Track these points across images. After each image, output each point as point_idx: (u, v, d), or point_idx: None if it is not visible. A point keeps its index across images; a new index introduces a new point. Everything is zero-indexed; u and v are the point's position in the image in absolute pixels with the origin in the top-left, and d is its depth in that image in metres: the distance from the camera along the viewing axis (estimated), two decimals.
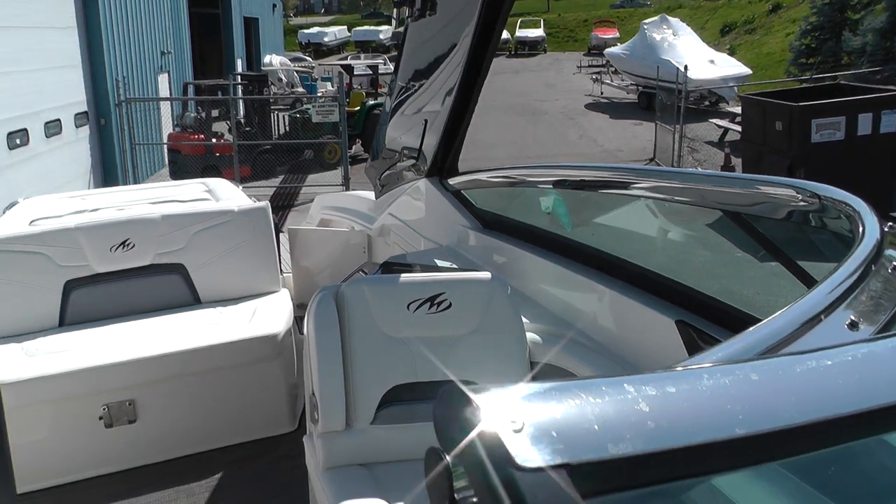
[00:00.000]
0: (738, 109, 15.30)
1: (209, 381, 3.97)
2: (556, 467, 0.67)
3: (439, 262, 3.35)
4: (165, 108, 17.69)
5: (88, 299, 4.30)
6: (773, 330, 1.18)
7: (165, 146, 16.69)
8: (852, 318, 1.23)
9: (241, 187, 5.40)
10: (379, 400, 2.65)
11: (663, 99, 15.44)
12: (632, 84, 24.20)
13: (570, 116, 22.60)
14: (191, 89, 17.78)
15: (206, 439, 4.02)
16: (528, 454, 0.68)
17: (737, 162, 12.96)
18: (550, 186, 3.65)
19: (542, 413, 0.71)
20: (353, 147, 17.25)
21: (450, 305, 2.68)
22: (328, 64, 28.05)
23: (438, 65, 3.66)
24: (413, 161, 4.04)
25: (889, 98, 10.58)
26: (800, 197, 2.13)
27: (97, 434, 3.77)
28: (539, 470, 0.67)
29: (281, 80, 25.31)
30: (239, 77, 20.48)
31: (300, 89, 24.19)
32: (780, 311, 1.24)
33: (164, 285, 4.43)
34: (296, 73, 26.42)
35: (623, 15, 49.51)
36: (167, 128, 17.24)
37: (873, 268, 1.45)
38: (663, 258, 3.14)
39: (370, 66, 23.46)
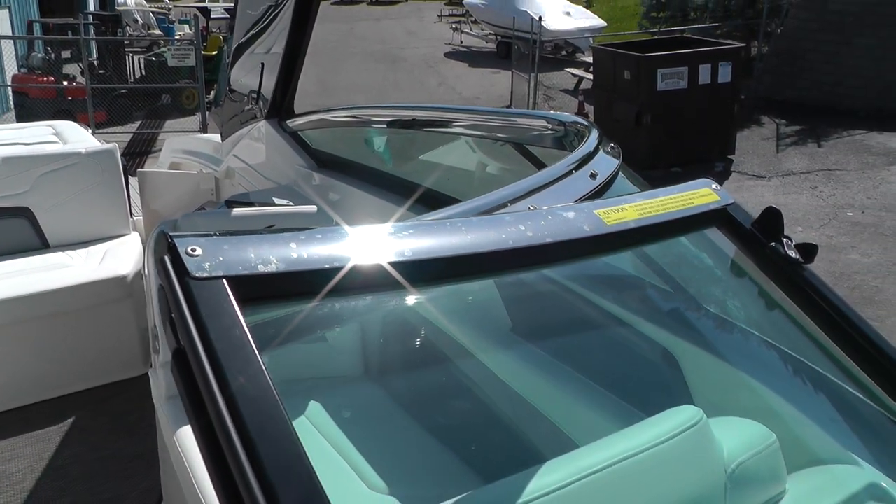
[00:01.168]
0: (591, 59, 15.85)
1: (58, 326, 4.01)
2: (216, 278, 1.09)
3: (277, 201, 3.52)
4: (7, 47, 16.80)
5: None
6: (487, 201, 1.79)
7: (10, 88, 15.92)
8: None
9: (90, 131, 5.36)
10: None
11: (520, 48, 15.80)
12: (490, 34, 24.49)
13: (429, 64, 22.75)
14: (37, 28, 16.97)
15: (58, 385, 4.06)
16: (198, 270, 1.09)
17: (589, 109, 13.48)
18: (383, 126, 3.86)
19: (215, 246, 1.16)
20: (212, 92, 16.92)
21: None
22: (185, 6, 27.08)
23: (272, 6, 3.78)
24: (253, 103, 4.17)
25: (725, 51, 11.29)
26: (549, 125, 2.79)
27: None
28: (205, 279, 1.08)
29: (137, 21, 24.34)
30: (91, 17, 19.64)
31: (157, 32, 23.38)
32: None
33: (8, 229, 4.41)
34: (152, 15, 25.45)
35: None
36: (11, 69, 16.40)
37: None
38: (472, 187, 3.41)
39: (227, 10, 22.84)
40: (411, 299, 1.52)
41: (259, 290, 1.12)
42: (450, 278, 1.37)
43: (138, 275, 4.27)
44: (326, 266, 1.19)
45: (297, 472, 0.97)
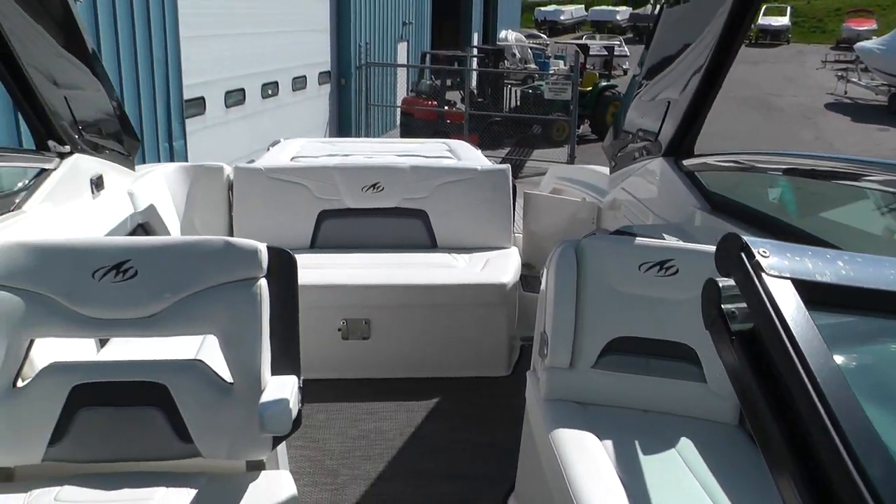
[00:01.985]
0: None
1: (437, 316, 4.37)
2: (785, 278, 1.26)
3: (666, 237, 3.46)
4: (402, 74, 18.54)
5: (338, 229, 4.91)
6: None
7: (399, 109, 17.50)
8: None
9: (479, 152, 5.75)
10: (602, 347, 2.89)
11: None
12: (883, 84, 22.53)
13: (806, 115, 21.42)
14: (428, 58, 18.50)
15: (427, 367, 4.45)
16: (771, 269, 1.27)
17: None
18: (780, 174, 3.65)
19: (779, 252, 1.30)
20: (582, 126, 17.29)
21: (676, 271, 2.85)
22: (562, 42, 28.03)
23: (687, 49, 3.76)
24: (650, 141, 4.15)
25: None
26: None
27: (335, 343, 4.34)
28: (777, 277, 1.26)
29: (514, 55, 25.62)
30: (475, 49, 21.04)
31: (533, 66, 24.40)
32: None
33: (406, 227, 4.91)
34: (529, 50, 26.64)
35: (885, 3, 45.11)
36: (402, 92, 18.05)
37: None
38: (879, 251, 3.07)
39: (605, 48, 23.23)
40: None
41: (817, 295, 1.27)
42: None
43: (514, 286, 4.51)
44: (871, 287, 1.32)
45: (878, 450, 1.09)
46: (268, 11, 12.44)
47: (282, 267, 2.58)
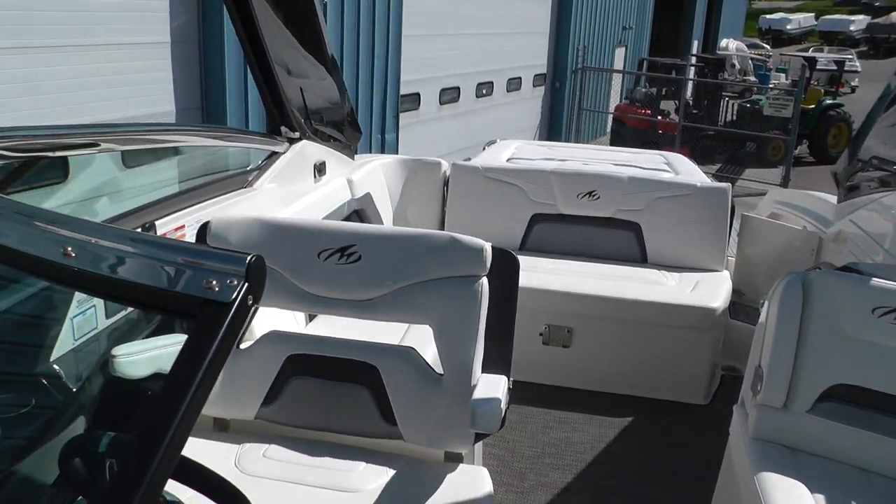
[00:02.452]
0: None
1: (640, 333, 4.30)
2: None
3: None
4: (616, 80, 18.30)
5: (549, 234, 4.93)
6: None
7: (611, 115, 17.28)
8: None
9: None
10: (821, 391, 2.71)
11: None
12: None
13: None
14: (645, 65, 18.13)
15: (623, 383, 4.41)
16: None
17: None
18: None
19: None
20: (799, 147, 16.35)
21: None
22: (787, 54, 26.63)
23: None
24: (889, 172, 3.87)
25: None
26: None
27: (535, 347, 4.38)
28: None
29: (734, 65, 24.67)
30: (694, 58, 20.41)
31: (752, 78, 23.42)
32: None
33: (617, 238, 4.85)
34: (750, 61, 25.57)
35: None
36: (615, 99, 17.80)
37: None
38: None
39: (835, 61, 21.80)
40: None
41: None
42: None
43: (724, 312, 4.35)
44: None
45: None
46: (491, 13, 12.63)
47: (504, 267, 2.63)
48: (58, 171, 3.40)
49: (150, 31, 6.33)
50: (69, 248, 1.26)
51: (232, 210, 3.26)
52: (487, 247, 2.53)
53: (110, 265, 1.25)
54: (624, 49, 19.35)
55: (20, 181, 2.63)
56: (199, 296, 1.13)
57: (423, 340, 2.79)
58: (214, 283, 1.14)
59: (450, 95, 11.75)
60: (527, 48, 14.42)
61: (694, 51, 25.54)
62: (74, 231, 1.30)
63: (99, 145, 2.86)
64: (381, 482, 2.39)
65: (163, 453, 1.02)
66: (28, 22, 5.30)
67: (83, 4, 5.74)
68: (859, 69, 27.32)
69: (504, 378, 2.59)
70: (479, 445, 2.82)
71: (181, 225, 3.01)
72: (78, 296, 2.59)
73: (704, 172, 5.45)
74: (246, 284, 1.14)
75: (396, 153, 9.76)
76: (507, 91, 13.84)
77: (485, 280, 2.53)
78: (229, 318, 1.12)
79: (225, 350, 1.11)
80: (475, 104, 12.62)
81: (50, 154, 2.64)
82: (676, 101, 16.36)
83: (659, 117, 16.38)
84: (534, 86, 15.02)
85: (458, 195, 4.98)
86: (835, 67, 20.48)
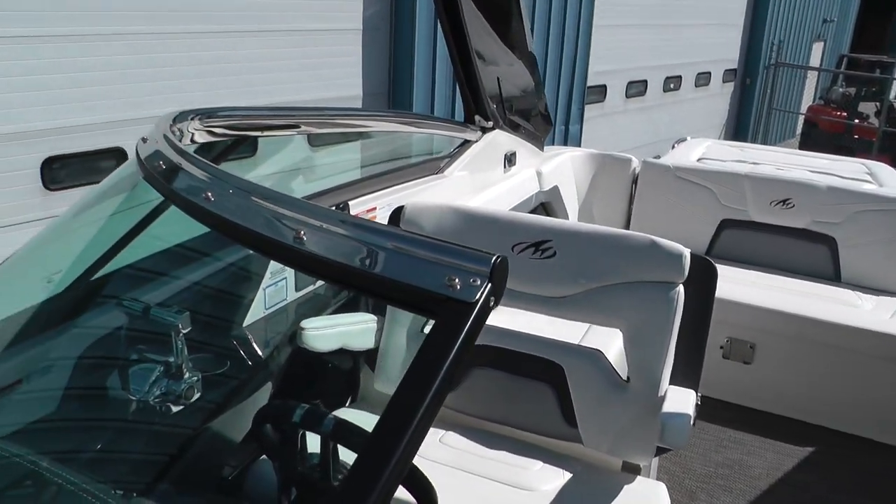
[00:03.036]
0: None
1: (831, 359, 4.00)
2: None
3: None
4: (811, 78, 17.31)
5: (737, 241, 4.74)
6: None
7: (802, 116, 16.37)
8: None
9: None
10: None
11: None
12: None
13: None
14: (844, 62, 17.04)
15: (807, 410, 4.11)
16: None
17: None
18: None
19: None
20: None
21: None
22: None
23: None
24: None
25: None
26: None
27: (714, 360, 4.14)
28: None
29: None
30: None
31: None
32: None
33: (809, 252, 4.58)
34: None
35: None
36: (807, 98, 16.85)
37: None
38: None
39: None
40: None
41: None
42: None
43: None
44: None
45: None
46: (682, 2, 12.26)
47: (702, 276, 2.53)
48: (248, 147, 3.57)
49: (345, 19, 6.54)
50: (301, 232, 1.29)
51: (422, 195, 3.32)
52: (687, 253, 2.44)
53: (351, 254, 1.26)
54: (822, 44, 18.26)
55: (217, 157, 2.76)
56: (440, 293, 1.12)
57: (603, 344, 2.73)
58: (457, 280, 1.13)
59: (636, 89, 11.49)
60: (718, 41, 13.88)
61: None
62: (313, 217, 1.34)
63: (300, 126, 2.97)
64: (557, 484, 2.36)
65: (399, 455, 1.02)
66: (228, 7, 5.60)
67: None
68: None
69: (693, 393, 2.50)
70: (656, 458, 2.74)
71: (373, 207, 3.09)
72: (272, 266, 2.70)
73: None
74: (489, 285, 1.12)
75: (579, 145, 9.66)
76: (696, 86, 13.39)
77: (681, 288, 2.44)
78: (471, 318, 1.10)
79: (465, 351, 1.09)
80: (662, 99, 12.31)
81: (258, 134, 2.76)
82: (878, 104, 15.29)
83: (856, 121, 15.34)
84: (723, 81, 14.46)
85: (646, 193, 4.87)
86: None
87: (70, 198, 4.91)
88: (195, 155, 1.70)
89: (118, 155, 5.00)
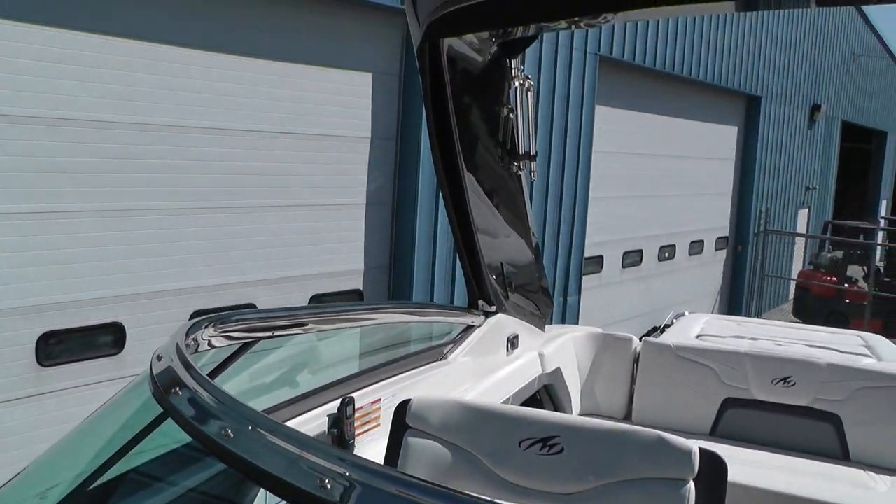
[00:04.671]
0: None
1: None
2: None
3: None
4: (799, 244, 17.63)
5: (740, 420, 4.58)
6: None
7: (793, 282, 16.55)
8: None
9: None
10: None
11: None
12: None
13: None
14: (829, 228, 17.40)
15: None
16: None
17: None
18: None
19: None
20: None
21: None
22: None
23: None
24: None
25: None
26: None
27: None
28: None
29: None
30: (884, 221, 19.46)
31: None
32: None
33: (814, 430, 4.43)
34: None
35: None
36: (798, 264, 17.08)
37: None
38: None
39: None
40: None
41: None
42: None
43: None
44: None
45: None
46: (675, 173, 12.64)
47: (712, 472, 2.45)
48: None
49: (349, 194, 6.67)
50: (325, 481, 1.23)
51: (426, 383, 3.26)
52: (696, 449, 2.38)
53: None
54: (807, 211, 18.72)
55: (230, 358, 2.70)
56: None
57: None
58: None
59: (632, 258, 11.67)
60: (709, 209, 14.24)
61: (882, 212, 24.48)
62: (335, 464, 1.27)
63: (307, 325, 2.94)
64: None
65: None
66: (239, 185, 5.71)
67: (289, 169, 6.14)
68: None
69: None
70: None
71: (378, 398, 3.02)
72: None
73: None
74: None
75: (578, 316, 9.72)
76: (690, 254, 13.62)
77: (692, 485, 2.37)
78: None
79: None
80: (657, 268, 12.48)
81: (269, 335, 2.72)
82: (864, 267, 15.49)
83: (846, 285, 15.51)
84: (716, 249, 14.72)
85: (647, 373, 4.79)
86: None
87: (66, 371, 4.89)
88: (210, 381, 1.64)
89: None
